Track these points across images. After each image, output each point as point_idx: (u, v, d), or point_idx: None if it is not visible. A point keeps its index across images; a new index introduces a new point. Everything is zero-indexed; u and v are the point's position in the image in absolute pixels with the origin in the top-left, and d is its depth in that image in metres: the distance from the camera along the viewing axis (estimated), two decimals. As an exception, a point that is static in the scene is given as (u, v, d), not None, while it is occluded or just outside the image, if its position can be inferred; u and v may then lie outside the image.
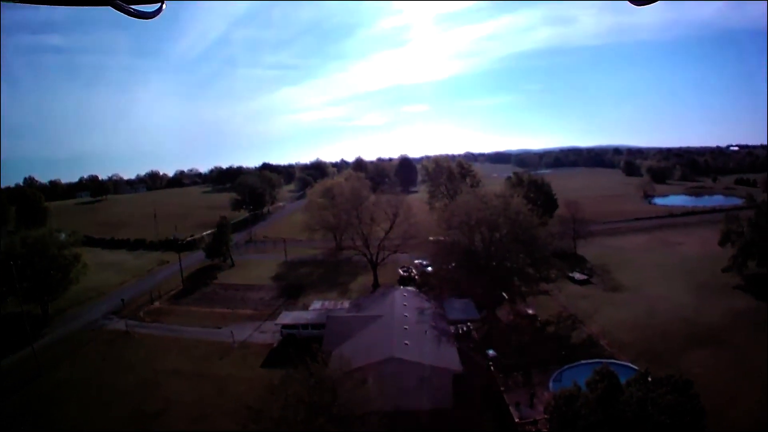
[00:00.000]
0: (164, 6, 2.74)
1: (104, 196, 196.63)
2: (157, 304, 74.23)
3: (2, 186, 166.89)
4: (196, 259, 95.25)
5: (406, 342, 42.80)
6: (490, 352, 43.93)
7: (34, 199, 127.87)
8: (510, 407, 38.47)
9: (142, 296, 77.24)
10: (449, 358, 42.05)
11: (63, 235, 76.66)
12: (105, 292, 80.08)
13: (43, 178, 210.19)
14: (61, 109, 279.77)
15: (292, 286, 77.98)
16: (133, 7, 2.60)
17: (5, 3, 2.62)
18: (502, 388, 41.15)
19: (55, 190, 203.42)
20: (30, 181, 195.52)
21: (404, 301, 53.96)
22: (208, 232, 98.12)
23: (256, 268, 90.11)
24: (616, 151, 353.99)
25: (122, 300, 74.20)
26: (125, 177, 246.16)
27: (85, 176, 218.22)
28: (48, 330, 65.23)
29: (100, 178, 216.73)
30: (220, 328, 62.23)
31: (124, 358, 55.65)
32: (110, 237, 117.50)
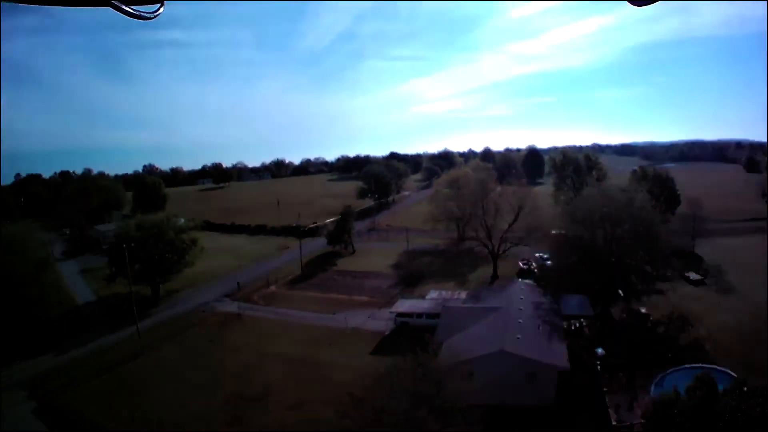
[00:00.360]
0: (163, 6, 2.82)
1: (227, 183, 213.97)
2: (272, 288, 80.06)
3: (123, 173, 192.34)
4: (317, 245, 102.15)
5: (518, 336, 45.46)
6: (599, 350, 44.86)
7: (153, 185, 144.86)
8: (609, 409, 40.11)
9: (258, 280, 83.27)
10: (558, 354, 44.12)
11: (182, 220, 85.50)
12: (221, 275, 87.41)
13: (164, 165, 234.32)
14: (184, 100, 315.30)
15: (410, 275, 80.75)
16: (132, 7, 2.68)
17: (5, 3, 2.70)
18: (605, 389, 42.90)
19: (177, 177, 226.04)
20: (149, 169, 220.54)
21: (521, 295, 57.84)
22: (331, 219, 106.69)
23: (376, 256, 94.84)
24: (738, 145, 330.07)
25: (237, 283, 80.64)
26: (250, 165, 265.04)
27: (209, 164, 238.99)
28: (156, 311, 72.52)
29: (223, 165, 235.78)
30: (334, 313, 66.14)
31: (231, 340, 59.99)
32: (231, 222, 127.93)
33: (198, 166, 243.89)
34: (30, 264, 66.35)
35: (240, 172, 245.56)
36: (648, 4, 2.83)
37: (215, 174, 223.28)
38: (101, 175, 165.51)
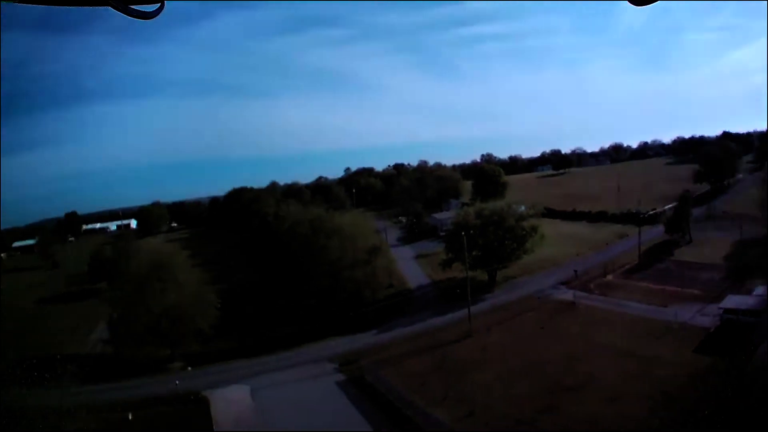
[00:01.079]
0: (163, 6, 3.67)
1: (566, 169, 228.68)
2: (609, 277, 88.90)
3: (460, 163, 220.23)
4: (654, 233, 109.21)
5: None
6: None
7: (491, 173, 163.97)
8: None
9: (595, 268, 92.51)
10: None
11: (522, 207, 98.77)
12: (559, 262, 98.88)
13: (502, 154, 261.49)
14: (516, 90, 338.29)
15: (743, 268, 78.56)
16: (133, 7, 3.53)
17: (5, 2, 3.50)
18: None
19: (515, 164, 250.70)
20: (487, 158, 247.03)
21: None
22: (669, 206, 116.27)
23: (712, 246, 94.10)
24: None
25: (575, 271, 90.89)
26: (588, 150, 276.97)
27: (547, 151, 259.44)
28: (490, 296, 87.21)
29: (562, 152, 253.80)
30: (665, 306, 72.27)
31: (560, 328, 69.44)
32: (571, 209, 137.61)
33: (536, 154, 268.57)
34: (362, 249, 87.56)
35: (579, 158, 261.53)
36: (648, 3, 3.50)
37: (554, 160, 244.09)
38: (438, 165, 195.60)
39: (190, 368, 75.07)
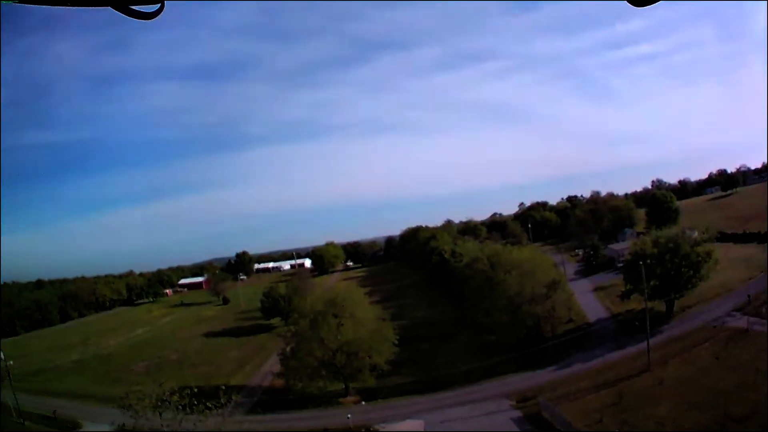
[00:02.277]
0: (164, 6, 3.80)
1: (734, 189, 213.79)
2: None
3: (632, 191, 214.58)
4: None
5: None
6: None
7: (664, 199, 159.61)
8: None
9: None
10: None
11: (695, 233, 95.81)
12: (732, 288, 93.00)
13: (671, 178, 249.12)
14: (670, 110, 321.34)
15: None
16: (133, 7, 3.70)
17: (5, 3, 3.65)
18: None
19: (685, 188, 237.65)
20: (658, 183, 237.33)
21: None
22: None
23: None
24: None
25: (748, 296, 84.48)
26: (752, 166, 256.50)
27: (714, 171, 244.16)
28: (668, 327, 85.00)
29: (728, 171, 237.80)
30: None
31: (734, 357, 66.27)
32: (742, 231, 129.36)
33: (704, 175, 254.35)
34: (541, 283, 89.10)
35: (744, 176, 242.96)
36: (648, 4, 3.66)
37: (721, 181, 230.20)
38: (611, 195, 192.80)
39: (363, 402, 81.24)
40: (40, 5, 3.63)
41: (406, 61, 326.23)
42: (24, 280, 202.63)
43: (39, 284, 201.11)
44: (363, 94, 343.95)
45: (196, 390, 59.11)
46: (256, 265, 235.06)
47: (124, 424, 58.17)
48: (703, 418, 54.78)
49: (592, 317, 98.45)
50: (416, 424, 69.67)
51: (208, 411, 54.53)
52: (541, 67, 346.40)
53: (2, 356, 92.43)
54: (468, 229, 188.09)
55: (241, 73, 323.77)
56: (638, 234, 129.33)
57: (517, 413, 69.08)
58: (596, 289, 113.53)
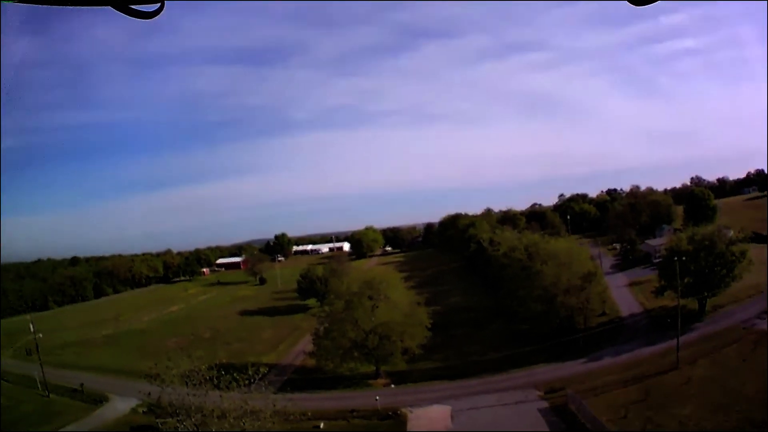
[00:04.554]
0: (164, 6, 3.85)
1: None
2: None
3: (671, 187, 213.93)
4: None
5: None
6: None
7: (702, 197, 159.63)
8: None
9: None
10: None
11: (730, 232, 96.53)
12: (764, 290, 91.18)
13: (710, 176, 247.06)
14: (714, 107, 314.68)
15: None
16: (133, 7, 3.76)
17: (5, 3, 3.72)
18: None
19: (724, 187, 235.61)
20: (697, 180, 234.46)
21: None
22: None
23: None
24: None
25: None
26: None
27: (752, 171, 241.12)
28: (699, 325, 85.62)
29: (766, 171, 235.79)
30: None
31: (761, 360, 65.75)
32: None
33: (742, 174, 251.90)
34: (577, 275, 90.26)
35: None
36: (648, 3, 3.76)
37: (759, 181, 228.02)
38: (650, 190, 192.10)
39: (393, 385, 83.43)
40: (40, 5, 3.78)
41: (451, 50, 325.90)
42: (59, 257, 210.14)
43: (74, 261, 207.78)
44: (406, 83, 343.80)
45: (225, 364, 61.28)
46: (295, 248, 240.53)
47: (149, 395, 59.66)
48: (726, 420, 55.53)
49: (625, 312, 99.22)
50: (444, 409, 71.52)
51: (235, 384, 56.01)
52: (584, 60, 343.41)
53: (32, 329, 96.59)
54: (507, 218, 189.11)
55: (287, 58, 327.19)
56: (675, 230, 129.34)
57: (544, 404, 70.32)
58: (631, 284, 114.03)
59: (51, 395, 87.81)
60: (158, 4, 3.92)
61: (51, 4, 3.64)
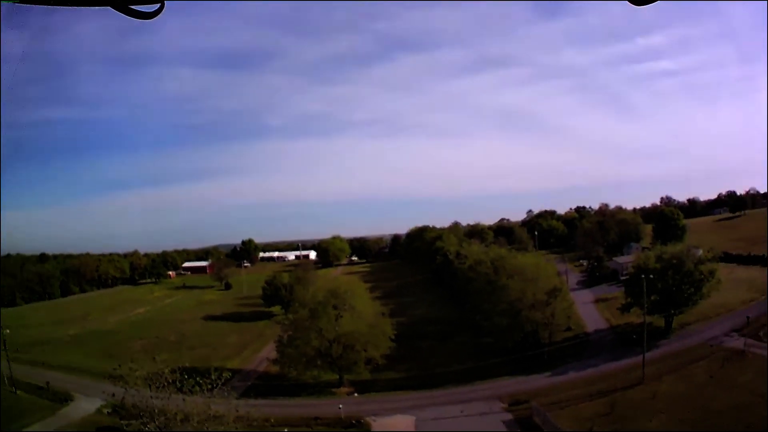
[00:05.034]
0: (164, 6, 3.88)
1: (742, 212, 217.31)
2: None
3: (640, 206, 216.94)
4: None
5: None
6: None
7: (671, 216, 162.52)
8: None
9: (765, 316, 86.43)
10: None
11: (699, 251, 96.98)
12: (732, 308, 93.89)
13: (680, 196, 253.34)
14: (686, 129, 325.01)
15: None
16: (133, 7, 3.80)
17: (5, 3, 3.72)
18: None
19: (694, 207, 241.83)
20: (667, 200, 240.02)
21: None
22: None
23: None
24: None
25: (747, 317, 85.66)
26: (762, 191, 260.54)
27: (723, 192, 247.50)
28: (665, 342, 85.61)
29: (737, 193, 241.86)
30: None
31: (730, 377, 66.81)
32: (748, 253, 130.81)
33: (713, 195, 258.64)
34: (542, 290, 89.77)
35: (753, 199, 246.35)
36: (648, 3, 3.81)
37: (730, 202, 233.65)
38: (619, 208, 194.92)
39: (356, 394, 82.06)
40: (40, 5, 3.73)
41: (428, 63, 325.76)
42: (28, 252, 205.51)
43: (43, 257, 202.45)
44: (381, 93, 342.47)
45: (189, 368, 59.70)
46: (261, 254, 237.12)
47: (113, 395, 58.86)
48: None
49: (590, 327, 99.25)
50: (407, 419, 70.67)
51: (198, 388, 54.64)
52: (558, 77, 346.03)
53: None
54: (475, 232, 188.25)
55: (263, 63, 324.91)
56: (643, 249, 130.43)
57: (509, 416, 69.77)
58: (597, 301, 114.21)
59: (18, 392, 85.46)
60: (158, 5, 3.87)
61: (51, 4, 3.56)
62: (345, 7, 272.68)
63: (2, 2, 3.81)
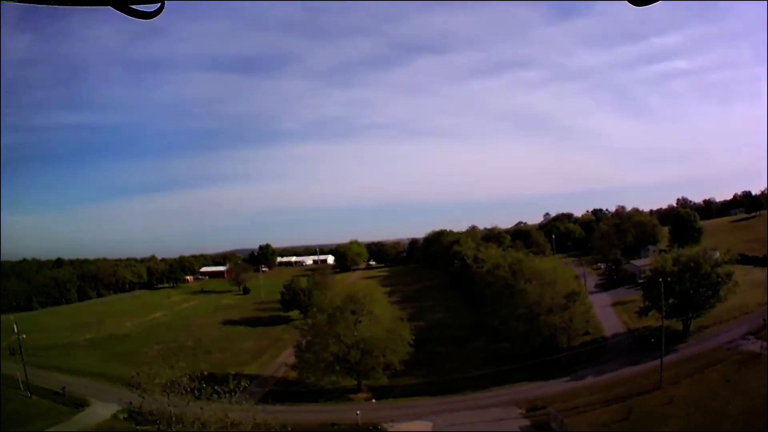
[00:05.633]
0: (164, 6, 3.91)
1: (758, 212, 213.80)
2: None
3: (657, 208, 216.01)
4: None
5: None
6: None
7: (688, 218, 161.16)
8: None
9: None
10: None
11: (716, 254, 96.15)
12: (749, 311, 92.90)
13: (697, 197, 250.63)
14: (706, 128, 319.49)
15: None
16: (133, 7, 3.82)
17: (5, 3, 3.75)
18: None
19: (710, 208, 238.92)
20: (683, 202, 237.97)
21: None
22: None
23: None
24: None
25: (764, 320, 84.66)
26: None
27: (739, 192, 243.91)
28: (683, 346, 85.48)
29: (753, 193, 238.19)
30: None
31: (745, 381, 66.55)
32: (763, 254, 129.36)
33: (729, 196, 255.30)
34: (560, 294, 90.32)
35: None
36: (648, 4, 3.81)
37: (746, 203, 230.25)
38: (635, 210, 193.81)
39: (374, 400, 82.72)
40: (40, 5, 3.77)
41: (443, 66, 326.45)
42: (44, 257, 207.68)
43: (59, 263, 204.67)
44: (397, 97, 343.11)
45: (206, 375, 59.30)
46: (279, 259, 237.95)
47: (131, 403, 58.80)
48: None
49: (608, 331, 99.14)
50: (425, 425, 71.04)
51: (216, 396, 54.71)
52: (572, 79, 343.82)
53: (16, 329, 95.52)
54: (492, 236, 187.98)
55: (279, 68, 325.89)
56: (660, 251, 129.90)
57: (526, 422, 70.02)
58: (615, 304, 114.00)
59: (33, 396, 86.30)
60: (158, 5, 3.89)
61: (51, 4, 3.60)
62: (360, 11, 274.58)
63: (3, 2, 3.91)
